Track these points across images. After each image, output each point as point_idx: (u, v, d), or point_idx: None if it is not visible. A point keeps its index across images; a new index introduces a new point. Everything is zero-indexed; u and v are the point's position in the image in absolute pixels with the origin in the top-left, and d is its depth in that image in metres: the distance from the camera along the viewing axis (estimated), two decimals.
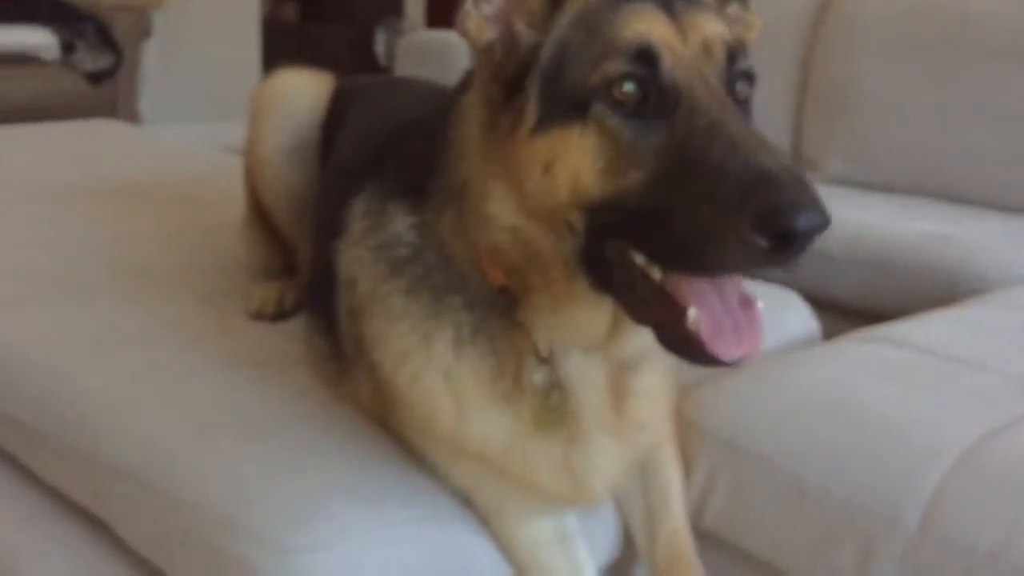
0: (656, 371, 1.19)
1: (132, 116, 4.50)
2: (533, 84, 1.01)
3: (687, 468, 1.33)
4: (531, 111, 1.00)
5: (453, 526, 1.16)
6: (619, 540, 1.31)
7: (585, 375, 1.11)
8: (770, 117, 2.87)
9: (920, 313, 1.72)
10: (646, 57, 0.96)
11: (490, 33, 1.05)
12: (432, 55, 3.78)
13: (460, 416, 1.11)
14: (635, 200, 0.93)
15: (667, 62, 0.96)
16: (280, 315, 1.59)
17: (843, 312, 2.19)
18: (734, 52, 1.01)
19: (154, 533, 1.15)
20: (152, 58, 4.77)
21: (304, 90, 1.68)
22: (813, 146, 3.01)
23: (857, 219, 2.39)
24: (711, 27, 1.01)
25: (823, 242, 0.87)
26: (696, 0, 1.03)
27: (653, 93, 0.95)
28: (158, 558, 1.16)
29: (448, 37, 3.63)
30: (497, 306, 1.09)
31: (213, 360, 1.39)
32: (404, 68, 3.99)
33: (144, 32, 4.66)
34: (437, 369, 1.11)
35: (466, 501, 1.18)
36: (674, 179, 0.91)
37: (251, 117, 1.66)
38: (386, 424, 1.23)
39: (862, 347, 1.51)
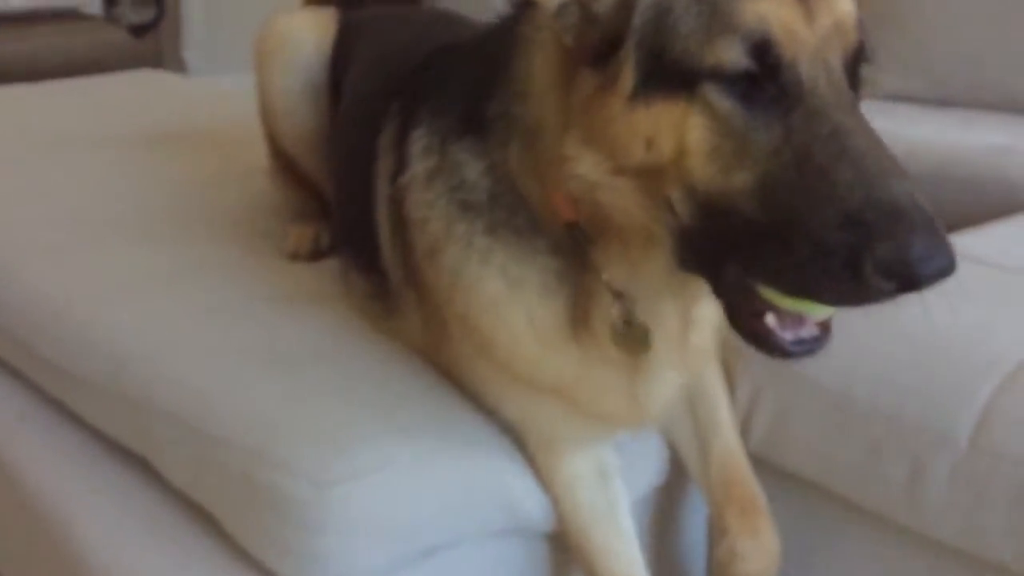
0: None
1: (178, 67, 4.53)
2: (629, 52, 0.91)
3: (730, 390, 1.30)
4: (627, 77, 0.91)
5: (490, 456, 1.15)
6: (661, 468, 1.29)
7: (657, 312, 1.07)
8: None
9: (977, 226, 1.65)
10: (766, 48, 0.86)
11: None
12: None
13: (539, 357, 1.09)
14: (745, 203, 0.86)
15: (789, 54, 0.86)
16: (316, 255, 1.59)
17: None
18: (862, 33, 0.91)
19: (192, 469, 1.16)
20: (196, 9, 4.77)
21: (307, 30, 1.64)
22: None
23: (912, 133, 2.30)
24: (843, 4, 0.91)
25: None
26: None
27: (771, 85, 0.87)
28: (197, 493, 1.17)
29: None
30: (576, 247, 1.04)
31: (249, 297, 1.40)
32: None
33: None
34: (523, 314, 1.07)
35: (507, 432, 1.16)
36: (789, 190, 0.84)
37: (256, 64, 1.63)
38: (433, 356, 1.22)
39: None
